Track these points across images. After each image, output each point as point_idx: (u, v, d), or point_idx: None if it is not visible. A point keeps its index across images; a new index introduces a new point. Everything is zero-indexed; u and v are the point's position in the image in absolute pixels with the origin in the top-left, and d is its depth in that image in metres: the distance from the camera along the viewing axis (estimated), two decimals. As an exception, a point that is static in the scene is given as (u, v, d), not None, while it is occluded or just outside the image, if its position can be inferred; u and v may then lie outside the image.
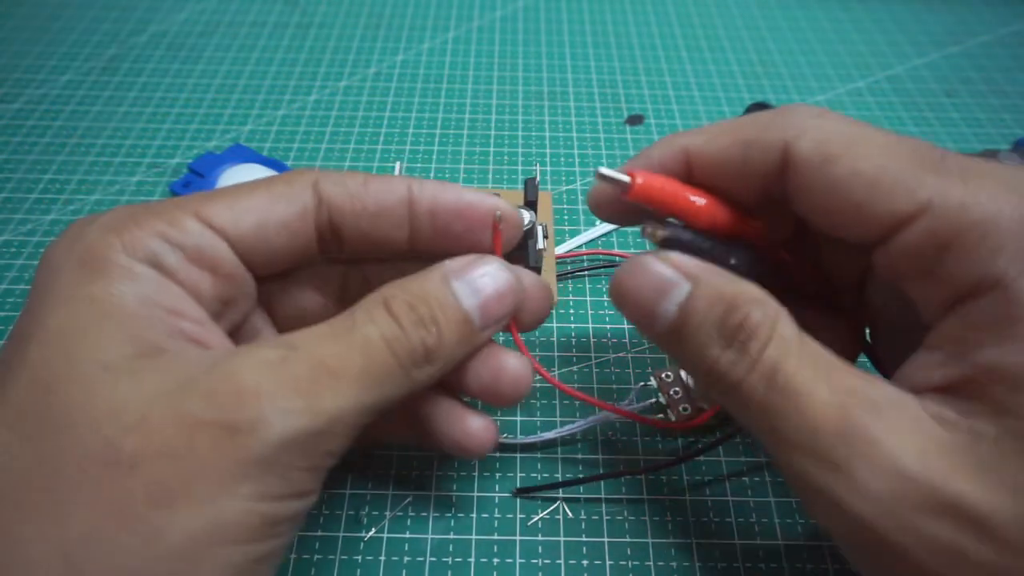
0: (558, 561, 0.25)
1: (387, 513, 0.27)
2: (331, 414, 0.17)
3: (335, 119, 0.45)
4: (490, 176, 0.42)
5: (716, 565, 0.25)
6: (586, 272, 0.36)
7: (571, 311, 0.34)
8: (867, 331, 0.26)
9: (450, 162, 0.42)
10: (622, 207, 0.23)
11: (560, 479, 0.28)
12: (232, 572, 0.16)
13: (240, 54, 0.50)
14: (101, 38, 0.51)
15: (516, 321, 0.23)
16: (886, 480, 0.16)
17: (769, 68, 0.51)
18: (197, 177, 0.39)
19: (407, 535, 0.26)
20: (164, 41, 0.51)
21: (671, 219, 0.22)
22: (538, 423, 0.30)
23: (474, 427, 0.23)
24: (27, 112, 0.45)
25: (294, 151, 0.43)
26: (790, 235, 0.24)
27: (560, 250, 0.36)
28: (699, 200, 0.21)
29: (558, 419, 0.30)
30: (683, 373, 0.29)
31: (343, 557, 0.25)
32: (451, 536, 0.26)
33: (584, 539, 0.26)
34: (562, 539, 0.26)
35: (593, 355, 0.32)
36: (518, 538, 0.26)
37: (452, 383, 0.22)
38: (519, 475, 0.28)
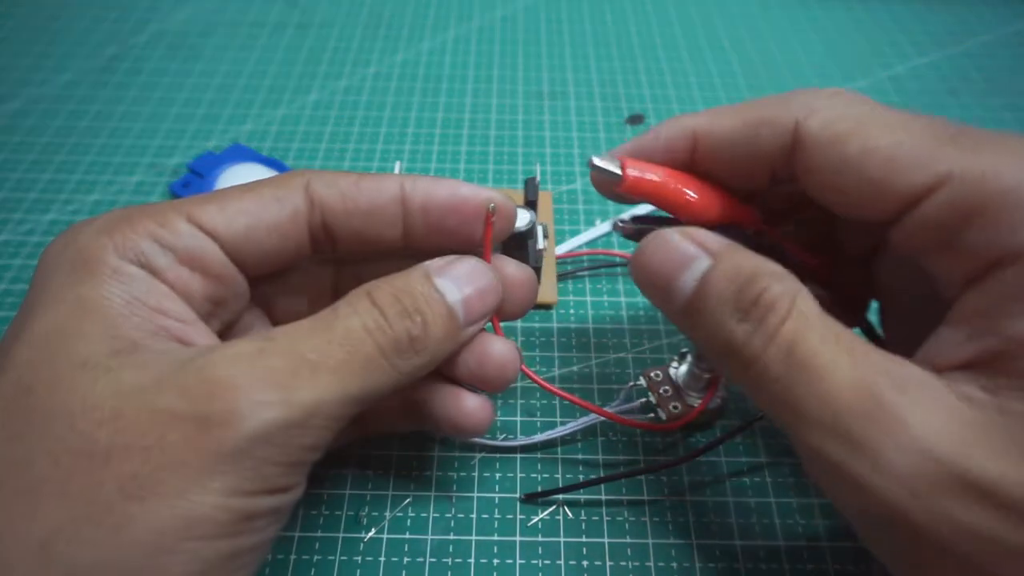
0: (558, 562, 0.25)
1: (387, 513, 0.27)
2: (308, 406, 0.17)
3: (335, 119, 0.45)
4: (490, 176, 0.42)
5: (716, 566, 0.25)
6: (586, 272, 0.36)
7: (571, 311, 0.34)
8: (867, 312, 0.26)
9: (450, 162, 0.42)
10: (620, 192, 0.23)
11: (560, 479, 0.28)
12: (202, 566, 0.16)
13: (240, 54, 0.50)
14: (100, 38, 0.51)
15: (499, 313, 0.23)
16: (911, 459, 0.16)
17: (770, 67, 0.51)
18: (197, 177, 0.39)
19: (407, 536, 0.26)
20: (163, 41, 0.51)
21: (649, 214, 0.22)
22: (538, 423, 0.30)
23: (470, 406, 0.23)
24: (26, 112, 0.45)
25: (294, 151, 0.43)
26: (788, 215, 0.24)
27: (560, 250, 0.36)
28: (692, 195, 0.21)
29: (558, 419, 0.30)
30: (672, 372, 0.29)
31: (343, 558, 0.25)
32: (451, 537, 0.26)
33: (584, 540, 0.26)
34: (562, 540, 0.26)
35: (593, 355, 0.32)
36: (518, 539, 0.26)
37: (441, 372, 0.22)
38: (519, 475, 0.28)
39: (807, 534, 0.26)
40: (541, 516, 0.27)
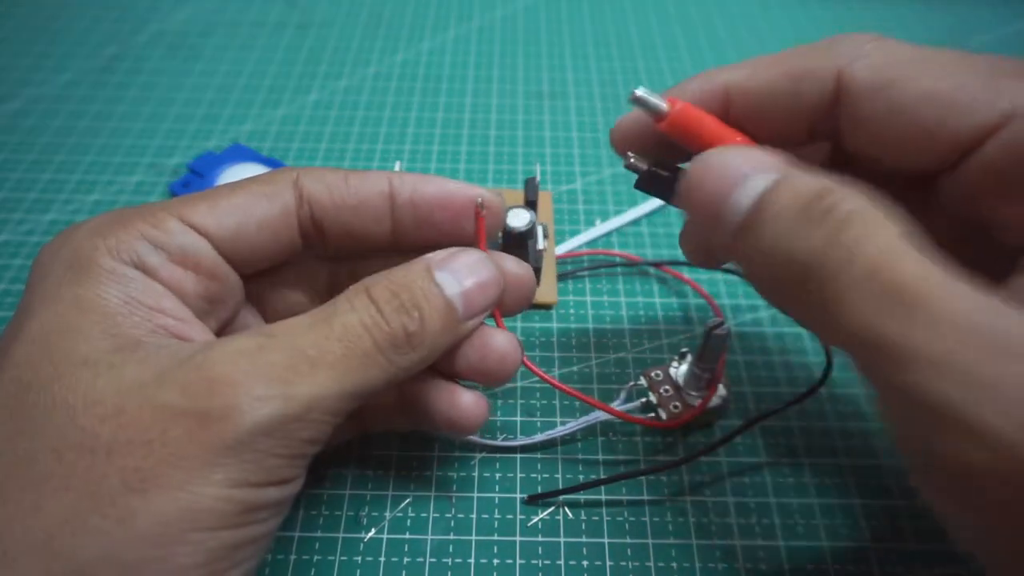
0: (558, 562, 0.25)
1: (387, 514, 0.27)
2: (307, 401, 0.18)
3: (335, 119, 0.45)
4: (490, 176, 0.42)
5: (717, 566, 0.25)
6: (586, 272, 0.36)
7: (571, 311, 0.34)
8: None
9: (450, 162, 0.42)
10: (645, 141, 0.21)
11: (560, 479, 0.28)
12: (207, 557, 0.17)
13: (240, 54, 0.50)
14: (100, 38, 0.51)
15: (499, 306, 0.23)
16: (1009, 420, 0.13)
17: (769, 68, 0.51)
18: (197, 177, 0.39)
19: (407, 536, 0.26)
20: (163, 41, 0.51)
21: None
22: (538, 423, 0.30)
23: (465, 402, 0.23)
24: (26, 112, 0.45)
25: (294, 151, 0.43)
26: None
27: (560, 250, 0.36)
28: (738, 139, 0.20)
29: (558, 419, 0.30)
30: (672, 371, 0.29)
31: (343, 558, 0.25)
32: (451, 537, 0.26)
33: (584, 540, 0.26)
34: (562, 540, 0.26)
35: (593, 355, 0.32)
36: (518, 539, 0.26)
37: (441, 366, 0.22)
38: (519, 475, 0.28)
39: (807, 534, 0.26)
40: (541, 516, 0.27)
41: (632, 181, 0.23)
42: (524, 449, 0.29)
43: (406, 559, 0.25)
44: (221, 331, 0.23)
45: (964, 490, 0.15)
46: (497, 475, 0.28)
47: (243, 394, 0.17)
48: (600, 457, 0.29)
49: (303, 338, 0.18)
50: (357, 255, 0.24)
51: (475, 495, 0.27)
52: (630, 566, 0.25)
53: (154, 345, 0.18)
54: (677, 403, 0.28)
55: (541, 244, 0.33)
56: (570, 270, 0.36)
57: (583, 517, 0.27)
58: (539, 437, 0.28)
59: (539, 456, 0.28)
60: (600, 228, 0.38)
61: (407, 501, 0.27)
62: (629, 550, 0.26)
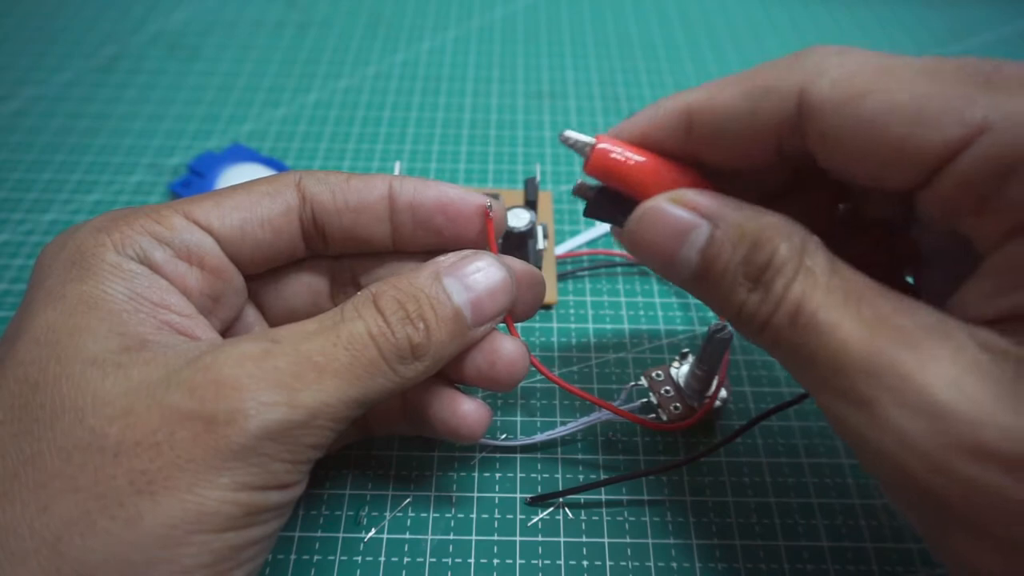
0: (558, 562, 0.25)
1: (387, 514, 0.27)
2: (312, 408, 0.18)
3: (335, 119, 0.45)
4: (490, 176, 0.42)
5: (717, 566, 0.25)
6: (586, 272, 0.36)
7: (571, 311, 0.34)
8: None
9: (450, 162, 0.42)
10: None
11: (560, 479, 0.28)
12: (212, 558, 0.17)
13: (239, 53, 0.50)
14: (100, 37, 0.51)
15: (511, 312, 0.23)
16: (915, 417, 0.15)
17: (769, 67, 0.51)
18: (197, 177, 0.39)
19: (407, 536, 0.26)
20: (163, 40, 0.51)
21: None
22: (538, 423, 0.30)
23: (466, 410, 0.23)
24: (25, 111, 0.45)
25: (294, 151, 0.43)
26: (790, 196, 0.23)
27: (560, 250, 0.36)
28: (666, 175, 0.20)
29: (558, 419, 0.30)
30: (673, 372, 0.29)
31: (343, 558, 0.25)
32: (451, 537, 0.26)
33: (584, 540, 0.26)
34: (562, 540, 0.26)
35: (593, 355, 0.32)
36: (518, 539, 0.26)
37: (449, 371, 0.22)
38: (519, 475, 0.28)
39: (807, 534, 0.26)
40: (541, 516, 0.27)
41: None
42: (524, 449, 0.29)
43: (406, 559, 0.25)
44: (224, 330, 0.23)
45: (885, 491, 0.17)
46: (497, 475, 0.28)
47: (249, 399, 0.17)
48: (600, 457, 0.29)
49: (310, 344, 0.18)
50: (358, 256, 0.24)
51: (475, 495, 0.27)
52: (630, 566, 0.25)
53: (160, 344, 0.18)
54: (678, 404, 0.28)
55: (541, 244, 0.33)
56: (570, 270, 0.36)
57: (583, 517, 0.27)
58: (539, 437, 0.28)
59: (539, 456, 0.28)
60: (600, 228, 0.38)
61: (407, 501, 0.27)
62: (629, 550, 0.26)
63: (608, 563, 0.25)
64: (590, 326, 0.33)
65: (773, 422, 0.30)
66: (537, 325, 0.33)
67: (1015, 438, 0.14)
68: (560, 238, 0.37)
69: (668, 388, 0.29)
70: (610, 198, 0.22)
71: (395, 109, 0.46)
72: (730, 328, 0.25)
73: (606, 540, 0.26)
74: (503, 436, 0.29)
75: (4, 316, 0.33)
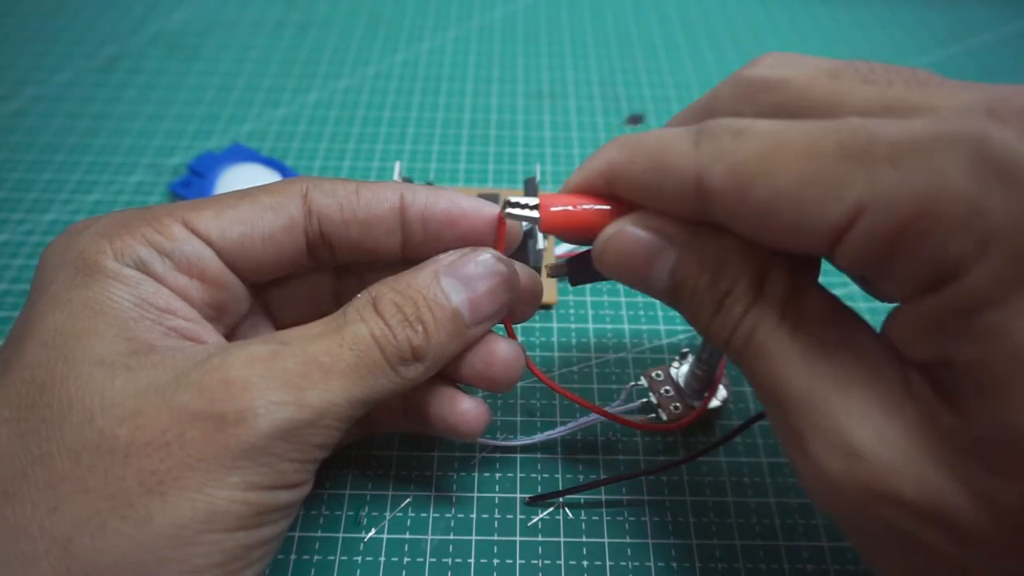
0: (558, 562, 0.25)
1: (387, 514, 0.27)
2: (319, 407, 0.18)
3: (335, 119, 0.45)
4: (490, 176, 0.42)
5: (717, 566, 0.25)
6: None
7: (571, 311, 0.34)
8: None
9: (450, 162, 0.42)
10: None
11: (560, 479, 0.28)
12: (223, 557, 0.17)
13: (240, 53, 0.50)
14: (100, 37, 0.51)
15: (508, 314, 0.23)
16: (835, 457, 0.16)
17: (769, 67, 0.51)
18: (197, 177, 0.39)
19: (407, 536, 0.26)
20: (163, 40, 0.51)
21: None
22: (538, 423, 0.30)
23: (465, 408, 0.23)
24: (26, 111, 0.45)
25: (294, 151, 0.43)
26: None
27: (560, 250, 0.36)
28: (605, 207, 0.20)
29: (558, 419, 0.30)
30: (673, 372, 0.29)
31: (343, 558, 0.25)
32: (451, 537, 0.26)
33: (584, 540, 0.26)
34: (562, 540, 0.26)
35: (593, 355, 0.32)
36: (518, 539, 0.26)
37: (446, 370, 0.22)
38: (519, 475, 0.28)
39: (807, 534, 0.26)
40: (541, 516, 0.27)
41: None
42: (524, 449, 0.29)
43: (406, 559, 0.25)
44: (229, 335, 0.23)
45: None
46: (497, 475, 0.28)
47: (259, 398, 0.17)
48: (600, 457, 0.29)
49: (315, 345, 0.19)
50: (365, 266, 0.25)
51: (475, 495, 0.27)
52: (630, 566, 0.25)
53: (168, 348, 0.18)
54: (678, 404, 0.28)
55: (541, 244, 0.33)
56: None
57: (583, 517, 0.27)
58: (539, 437, 0.28)
59: (539, 456, 0.28)
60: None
61: (407, 501, 0.27)
62: (629, 550, 0.26)
63: (608, 563, 0.25)
64: (590, 326, 0.33)
65: (773, 422, 0.30)
66: (537, 325, 0.33)
67: (928, 489, 0.15)
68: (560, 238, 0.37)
69: (668, 388, 0.29)
70: (583, 262, 0.22)
71: (395, 109, 0.46)
72: None
73: (606, 540, 0.26)
74: (503, 436, 0.29)
75: (4, 316, 0.33)
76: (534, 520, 0.27)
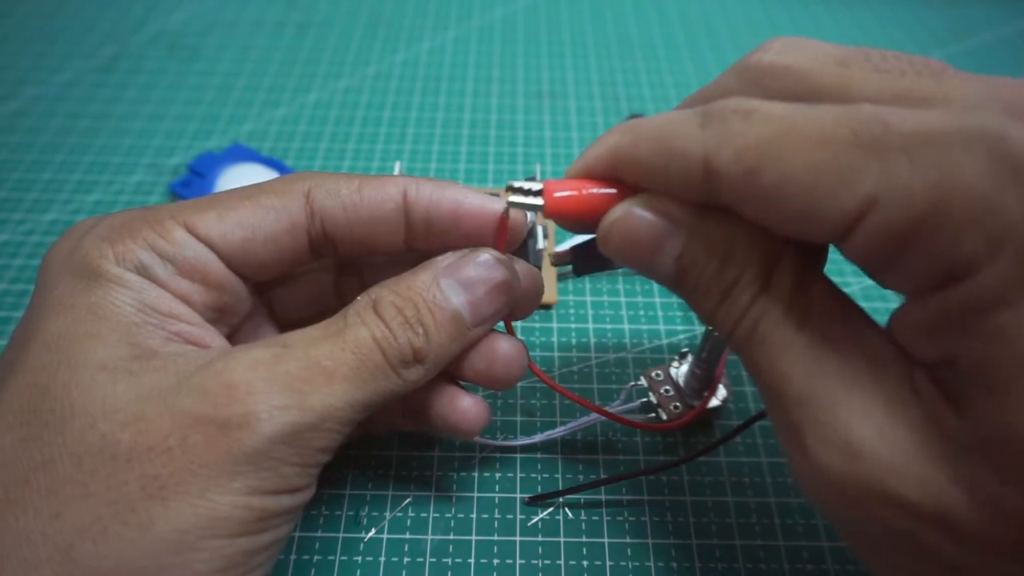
0: (558, 562, 0.25)
1: (387, 514, 0.27)
2: (321, 411, 0.18)
3: (335, 119, 0.45)
4: (490, 176, 0.42)
5: (717, 566, 0.25)
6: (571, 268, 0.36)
7: (571, 311, 0.34)
8: None
9: (450, 162, 0.42)
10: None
11: (560, 479, 0.28)
12: (225, 563, 0.17)
13: (240, 53, 0.50)
14: (100, 37, 0.51)
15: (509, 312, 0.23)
16: (834, 453, 0.16)
17: (769, 67, 0.51)
18: (197, 177, 0.39)
19: (407, 536, 0.26)
20: (163, 40, 0.51)
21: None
22: (538, 423, 0.30)
23: (465, 406, 0.23)
24: (26, 111, 0.45)
25: (294, 151, 0.43)
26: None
27: (560, 250, 0.36)
28: (610, 191, 0.19)
29: (558, 419, 0.30)
30: (673, 371, 0.29)
31: (343, 558, 0.25)
32: (451, 537, 0.26)
33: (584, 540, 0.26)
34: (562, 540, 0.26)
35: (593, 355, 0.32)
36: (518, 539, 0.26)
37: (447, 369, 0.22)
38: (519, 475, 0.28)
39: (807, 534, 0.26)
40: (541, 516, 0.27)
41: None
42: (524, 449, 0.29)
43: (406, 559, 0.25)
44: (231, 334, 0.23)
45: None
46: (497, 475, 0.28)
47: (262, 402, 0.17)
48: (600, 457, 0.29)
49: (318, 349, 0.19)
50: (367, 261, 0.25)
51: (475, 495, 0.27)
52: (630, 566, 0.25)
53: (171, 353, 0.18)
54: (677, 403, 0.28)
55: (541, 244, 0.33)
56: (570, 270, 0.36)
57: (583, 517, 0.27)
58: (539, 437, 0.28)
59: (539, 456, 0.28)
60: (600, 228, 0.38)
61: (407, 501, 0.27)
62: (629, 550, 0.26)
63: (608, 563, 0.25)
64: (590, 326, 0.33)
65: (773, 422, 0.30)
66: (537, 325, 0.33)
67: (929, 490, 0.15)
68: (560, 238, 0.37)
69: (668, 388, 0.29)
70: (587, 250, 0.22)
71: (395, 109, 0.46)
72: None
73: (606, 540, 0.26)
74: (503, 436, 0.29)
75: (4, 316, 0.33)
76: (534, 520, 0.27)
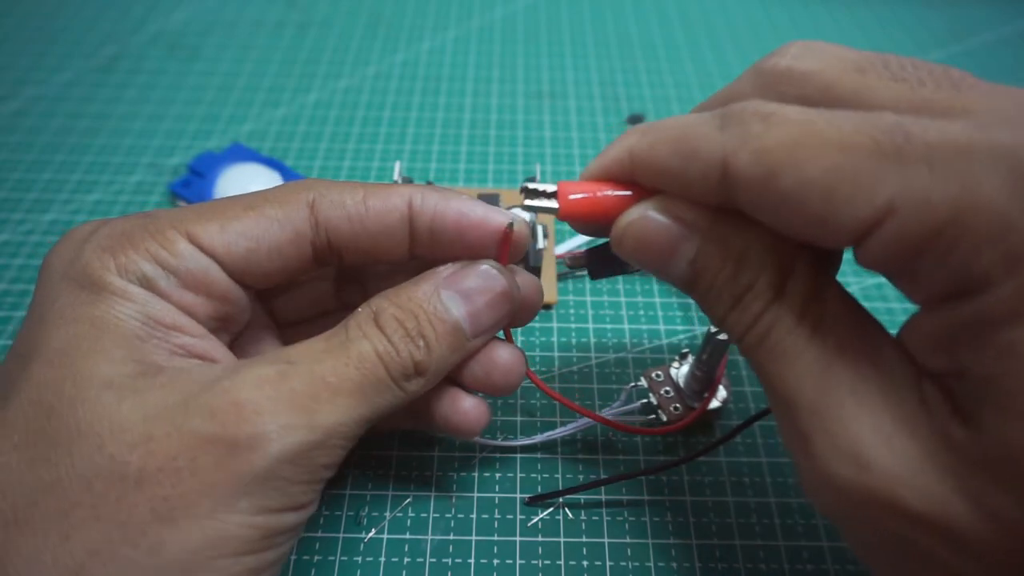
0: (558, 562, 0.25)
1: (387, 513, 0.27)
2: (328, 428, 0.18)
3: (335, 119, 0.45)
4: (490, 176, 0.42)
5: (717, 566, 0.25)
6: (586, 272, 0.36)
7: (571, 311, 0.34)
8: None
9: (450, 162, 0.42)
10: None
11: (560, 479, 0.28)
12: None
13: (240, 53, 0.50)
14: (100, 37, 0.51)
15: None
16: (842, 463, 0.16)
17: (769, 67, 0.51)
18: (197, 177, 0.39)
19: (407, 536, 0.26)
20: (163, 40, 0.51)
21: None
22: (538, 423, 0.30)
23: (467, 407, 0.23)
24: (26, 111, 0.45)
25: (294, 151, 0.43)
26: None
27: (560, 250, 0.36)
28: (626, 192, 0.19)
29: (558, 419, 0.30)
30: (673, 372, 0.29)
31: (343, 558, 0.25)
32: (451, 537, 0.26)
33: (584, 540, 0.26)
34: (562, 540, 0.26)
35: (593, 355, 0.32)
36: (518, 539, 0.26)
37: (447, 373, 0.22)
38: (519, 475, 0.28)
39: (807, 534, 0.26)
40: (541, 516, 0.27)
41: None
42: (524, 449, 0.29)
43: (406, 559, 0.25)
44: (232, 342, 0.23)
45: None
46: (497, 475, 0.28)
47: (270, 422, 0.17)
48: (600, 457, 0.29)
49: (322, 365, 0.19)
50: (370, 270, 0.25)
51: (475, 495, 0.27)
52: (630, 566, 0.25)
53: (175, 369, 0.18)
54: (678, 404, 0.28)
55: (541, 244, 0.33)
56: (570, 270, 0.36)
57: (583, 517, 0.27)
58: (539, 437, 0.28)
59: (539, 456, 0.28)
60: (600, 228, 0.38)
61: (407, 501, 0.27)
62: (629, 550, 0.26)
63: (608, 563, 0.25)
64: (590, 326, 0.33)
65: (773, 421, 0.30)
66: (537, 325, 0.33)
67: (935, 501, 0.15)
68: (560, 238, 0.37)
69: (668, 389, 0.29)
70: (603, 254, 0.22)
71: (395, 109, 0.46)
72: None
73: (606, 540, 0.26)
74: (503, 436, 0.29)
75: (4, 316, 0.33)
76: (534, 520, 0.27)
